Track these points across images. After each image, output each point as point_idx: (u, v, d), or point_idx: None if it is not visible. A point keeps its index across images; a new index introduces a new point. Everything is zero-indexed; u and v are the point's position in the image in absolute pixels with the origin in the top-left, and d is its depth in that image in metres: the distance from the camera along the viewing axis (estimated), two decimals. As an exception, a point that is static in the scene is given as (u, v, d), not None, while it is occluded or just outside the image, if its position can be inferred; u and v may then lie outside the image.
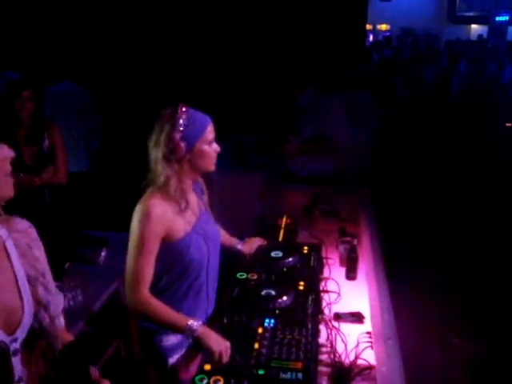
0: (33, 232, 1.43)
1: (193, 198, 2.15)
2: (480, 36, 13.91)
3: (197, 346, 1.92)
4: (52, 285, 1.44)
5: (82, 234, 3.30)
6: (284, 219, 3.11)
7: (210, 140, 2.03)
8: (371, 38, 16.51)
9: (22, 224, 1.43)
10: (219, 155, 2.09)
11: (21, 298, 1.32)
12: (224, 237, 2.52)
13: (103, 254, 3.13)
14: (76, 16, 5.70)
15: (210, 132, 2.03)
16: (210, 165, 2.08)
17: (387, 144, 5.25)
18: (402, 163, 6.15)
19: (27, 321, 1.31)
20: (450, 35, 14.20)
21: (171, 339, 2.10)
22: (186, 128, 1.94)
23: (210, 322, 2.13)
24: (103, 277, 2.96)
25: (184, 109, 1.95)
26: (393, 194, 5.42)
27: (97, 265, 3.07)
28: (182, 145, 1.95)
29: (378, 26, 17.76)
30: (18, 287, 1.32)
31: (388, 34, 17.25)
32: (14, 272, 1.33)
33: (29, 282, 1.35)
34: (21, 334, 1.29)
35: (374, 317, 2.11)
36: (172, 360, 2.13)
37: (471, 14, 15.40)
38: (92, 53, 5.51)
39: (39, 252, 1.44)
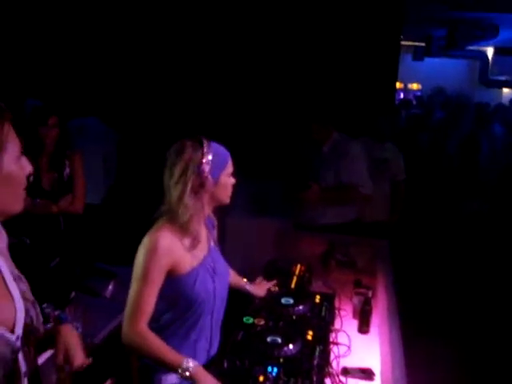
0: (4, 233, 1.43)
1: (203, 232, 2.08)
2: (512, 100, 13.83)
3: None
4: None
5: (91, 265, 3.25)
6: (298, 266, 3.00)
7: (231, 172, 2.04)
8: (402, 95, 16.55)
9: None
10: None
11: (10, 294, 1.28)
12: (233, 277, 2.45)
13: (110, 287, 3.08)
14: (90, 50, 5.79)
15: (230, 164, 2.03)
16: (228, 197, 2.07)
17: (409, 198, 5.14)
18: (424, 218, 6.02)
19: (21, 317, 1.28)
20: (481, 98, 14.14)
21: (170, 379, 1.99)
22: (213, 160, 1.93)
23: (209, 365, 2.02)
24: (108, 310, 2.88)
25: (206, 141, 1.94)
26: (412, 249, 5.28)
27: (103, 298, 3.01)
28: (210, 178, 1.92)
29: (410, 85, 17.83)
30: (6, 284, 1.29)
31: (419, 93, 17.33)
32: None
33: (14, 280, 1.32)
34: (18, 330, 1.26)
35: (385, 373, 1.98)
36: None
37: (503, 78, 15.40)
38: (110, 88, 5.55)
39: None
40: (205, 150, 1.92)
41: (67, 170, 3.49)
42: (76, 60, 5.70)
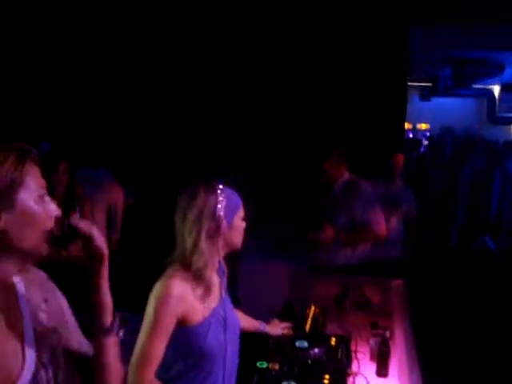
0: (50, 283, 1.36)
1: (216, 280, 2.03)
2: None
3: None
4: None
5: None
6: (312, 309, 2.93)
7: (243, 216, 2.01)
8: (411, 135, 16.58)
9: (40, 274, 1.35)
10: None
11: (23, 353, 1.19)
12: (247, 320, 2.41)
13: (120, 334, 3.00)
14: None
15: (242, 208, 2.01)
16: (240, 241, 2.03)
17: (421, 236, 5.08)
18: (436, 256, 5.93)
19: (26, 379, 1.18)
20: (490, 135, 14.17)
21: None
22: (227, 204, 1.91)
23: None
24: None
25: (218, 185, 1.92)
26: (427, 287, 5.16)
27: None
28: (225, 221, 1.90)
29: (418, 125, 17.89)
30: (22, 342, 1.20)
31: (428, 133, 17.36)
32: (22, 327, 1.22)
33: (36, 338, 1.23)
34: None
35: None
36: None
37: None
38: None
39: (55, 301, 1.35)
40: (218, 193, 1.90)
41: (78, 216, 3.48)
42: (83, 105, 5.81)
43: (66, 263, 3.38)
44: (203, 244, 1.86)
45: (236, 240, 2.00)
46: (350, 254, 3.78)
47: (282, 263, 4.08)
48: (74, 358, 1.33)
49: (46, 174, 3.34)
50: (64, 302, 1.40)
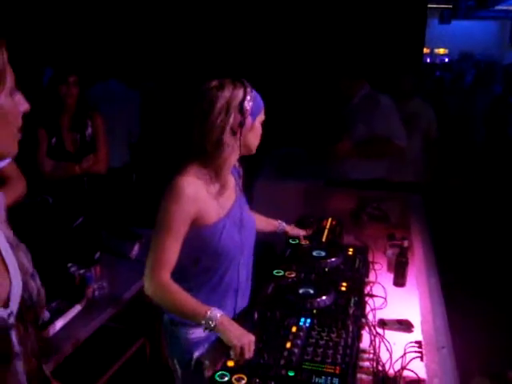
0: (1, 197, 1.28)
1: (231, 181, 1.97)
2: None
3: (221, 341, 1.72)
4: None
5: (116, 226, 3.19)
6: (329, 221, 2.88)
7: (263, 119, 1.92)
8: (428, 60, 16.15)
9: None
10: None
11: (5, 266, 1.14)
12: (265, 221, 2.39)
13: (136, 248, 3.00)
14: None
15: (263, 111, 1.91)
16: (256, 146, 1.95)
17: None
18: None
19: (17, 292, 1.14)
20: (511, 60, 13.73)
21: (197, 332, 1.89)
22: (253, 102, 1.82)
23: (238, 318, 1.92)
24: (133, 272, 2.79)
25: (245, 82, 1.83)
26: (445, 207, 5.09)
27: (128, 259, 2.94)
28: (249, 118, 1.82)
29: (436, 50, 17.39)
30: (1, 255, 1.15)
31: (446, 58, 16.89)
32: None
33: (11, 248, 1.18)
34: (14, 306, 1.13)
35: (425, 323, 1.86)
36: (197, 354, 1.92)
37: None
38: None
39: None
40: (247, 89, 1.81)
41: (89, 130, 3.44)
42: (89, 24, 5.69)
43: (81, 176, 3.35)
44: (227, 137, 1.78)
45: (253, 142, 1.91)
46: (368, 167, 3.68)
47: (297, 181, 4.01)
48: None
49: (55, 89, 3.27)
50: None
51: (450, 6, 13.69)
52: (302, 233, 2.52)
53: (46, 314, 2.24)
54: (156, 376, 2.89)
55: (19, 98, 1.11)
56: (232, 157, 1.85)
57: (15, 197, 2.42)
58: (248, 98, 1.79)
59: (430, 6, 12.35)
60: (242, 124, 1.79)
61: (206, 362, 1.87)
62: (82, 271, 2.53)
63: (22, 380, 1.16)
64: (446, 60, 16.70)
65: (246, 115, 1.79)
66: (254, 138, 1.90)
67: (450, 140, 6.27)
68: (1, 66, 1.05)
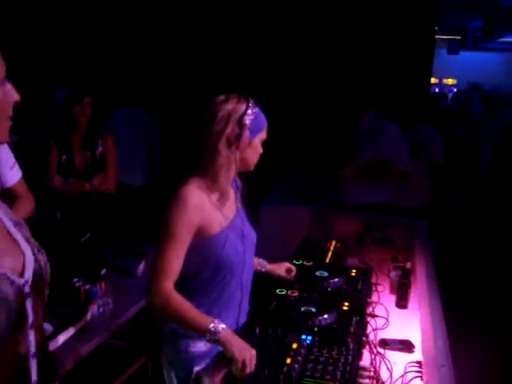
0: None
1: (231, 192, 2.01)
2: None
3: (224, 355, 1.73)
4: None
5: (122, 244, 3.22)
6: (333, 243, 2.91)
7: (264, 139, 1.96)
8: (437, 90, 16.26)
9: None
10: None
11: (15, 241, 1.20)
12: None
13: (141, 265, 3.02)
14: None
15: (266, 131, 1.95)
16: (254, 164, 1.98)
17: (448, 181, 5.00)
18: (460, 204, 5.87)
19: (30, 263, 1.19)
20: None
21: (198, 345, 1.91)
22: (254, 118, 1.87)
23: (240, 333, 1.94)
24: (138, 289, 2.81)
25: (251, 100, 1.88)
26: (451, 231, 5.11)
27: (134, 277, 2.96)
28: (247, 133, 1.85)
29: (445, 80, 17.51)
30: (8, 229, 1.20)
31: (455, 88, 16.99)
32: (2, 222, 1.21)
33: (14, 226, 1.23)
34: (28, 276, 1.18)
35: (426, 342, 1.87)
36: (197, 368, 1.93)
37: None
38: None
39: None
40: (250, 104, 1.86)
41: (100, 149, 3.52)
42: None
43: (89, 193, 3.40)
44: (221, 147, 1.82)
45: (251, 159, 1.95)
46: (372, 192, 3.71)
47: (302, 207, 4.04)
48: None
49: (69, 108, 3.34)
50: None
51: (459, 38, 13.83)
52: (283, 274, 2.37)
53: (49, 328, 2.26)
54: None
55: (9, 88, 1.15)
56: (227, 168, 1.87)
57: (24, 215, 2.46)
58: (249, 112, 1.84)
59: (438, 36, 12.51)
60: (238, 137, 1.83)
61: (206, 378, 1.88)
62: (87, 286, 2.55)
63: (34, 349, 1.20)
64: (455, 90, 16.83)
65: (244, 129, 1.83)
66: (252, 154, 1.93)
67: (458, 166, 6.32)
68: None
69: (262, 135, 1.94)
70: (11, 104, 1.15)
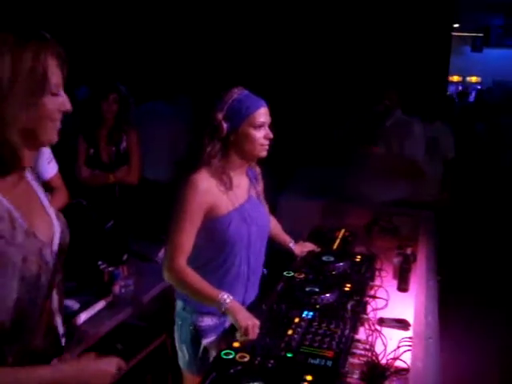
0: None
1: (243, 181, 2.18)
2: None
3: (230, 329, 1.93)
4: None
5: (144, 231, 3.41)
6: (342, 231, 3.07)
7: (259, 124, 2.03)
8: (460, 88, 16.16)
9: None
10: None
11: (47, 214, 1.36)
12: (279, 234, 2.58)
13: (161, 253, 3.20)
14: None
15: (258, 116, 2.02)
16: (257, 150, 2.08)
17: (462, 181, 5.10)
18: (475, 203, 5.94)
19: (57, 235, 1.35)
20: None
21: (206, 321, 2.12)
22: (231, 109, 1.99)
23: (248, 308, 2.12)
24: (158, 273, 2.99)
25: (236, 90, 2.02)
26: (458, 226, 5.19)
27: (154, 262, 3.13)
28: (225, 125, 1.99)
29: (469, 78, 17.38)
30: (43, 204, 1.37)
31: (479, 86, 16.86)
32: (39, 198, 1.38)
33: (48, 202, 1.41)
34: (55, 246, 1.34)
35: (417, 317, 2.02)
36: (205, 341, 2.13)
37: None
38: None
39: None
40: (225, 97, 2.01)
41: (124, 144, 3.75)
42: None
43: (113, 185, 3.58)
44: (206, 144, 2.01)
45: (248, 148, 2.05)
46: (387, 189, 3.84)
47: (317, 198, 4.18)
48: None
49: (97, 104, 3.54)
50: None
51: (481, 35, 13.78)
52: (302, 252, 2.68)
53: (75, 304, 2.47)
54: (177, 370, 3.05)
55: (63, 99, 1.25)
56: (227, 161, 2.06)
57: (58, 206, 2.68)
58: (223, 106, 2.00)
59: (462, 34, 12.49)
60: (215, 130, 2.00)
61: (213, 351, 2.08)
62: (110, 269, 2.75)
63: (56, 305, 1.38)
64: (479, 87, 16.69)
65: (217, 122, 1.99)
66: (248, 144, 2.05)
67: (480, 164, 6.39)
68: (41, 70, 1.17)
69: (253, 121, 2.02)
70: (61, 113, 1.26)
